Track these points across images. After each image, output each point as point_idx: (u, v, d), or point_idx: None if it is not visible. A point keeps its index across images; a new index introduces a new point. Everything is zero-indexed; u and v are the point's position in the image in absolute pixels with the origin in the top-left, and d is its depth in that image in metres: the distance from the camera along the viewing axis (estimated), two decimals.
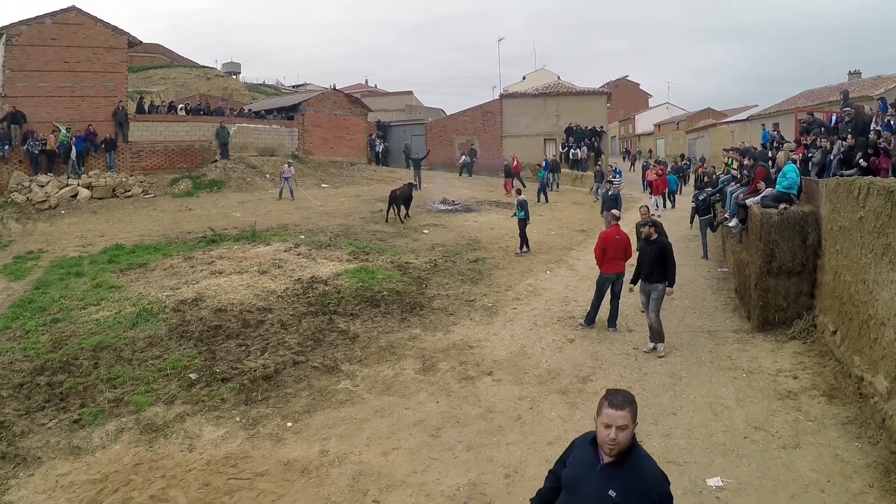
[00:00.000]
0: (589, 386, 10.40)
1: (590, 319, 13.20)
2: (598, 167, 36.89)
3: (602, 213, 21.17)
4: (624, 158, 43.11)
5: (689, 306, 14.60)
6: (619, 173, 23.89)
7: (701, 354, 11.62)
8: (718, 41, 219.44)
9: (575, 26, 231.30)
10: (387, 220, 23.47)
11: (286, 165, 29.32)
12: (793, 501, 7.14)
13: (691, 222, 21.82)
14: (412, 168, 35.86)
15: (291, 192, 28.59)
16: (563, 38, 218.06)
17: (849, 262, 10.06)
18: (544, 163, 35.24)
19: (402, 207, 24.09)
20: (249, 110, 39.80)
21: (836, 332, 10.62)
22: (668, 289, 11.75)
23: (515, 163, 35.18)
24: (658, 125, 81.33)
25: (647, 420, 9.08)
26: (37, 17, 28.55)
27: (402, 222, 23.33)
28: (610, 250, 12.82)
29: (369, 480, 7.80)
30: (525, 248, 19.53)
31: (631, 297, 13.34)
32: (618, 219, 13.88)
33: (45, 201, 25.13)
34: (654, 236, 11.93)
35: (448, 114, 54.01)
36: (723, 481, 7.58)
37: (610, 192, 21.51)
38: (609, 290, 13.10)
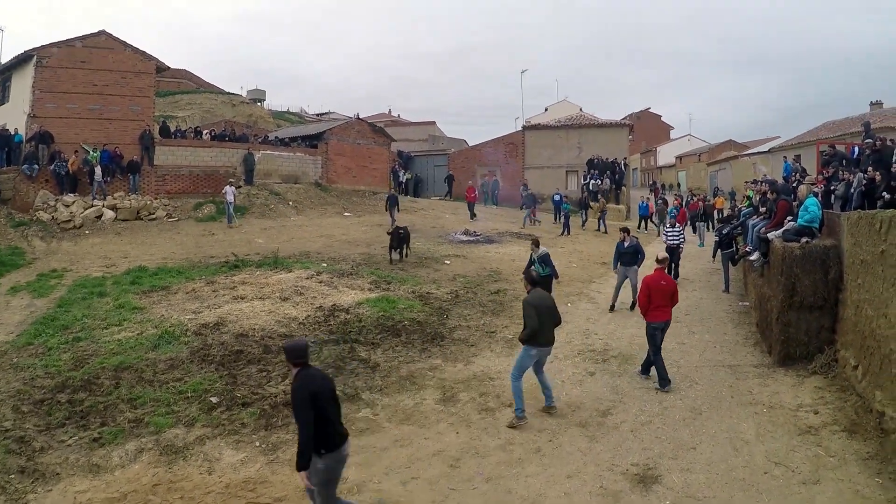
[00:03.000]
0: (609, 419, 10.38)
1: (664, 380, 11.71)
2: (584, 196, 37.49)
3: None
4: (650, 191, 42.68)
5: (710, 340, 14.52)
6: (680, 233, 21.08)
7: (721, 389, 11.55)
8: (741, 72, 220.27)
9: (598, 58, 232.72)
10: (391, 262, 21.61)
11: (228, 187, 28.33)
12: None
13: (714, 256, 21.74)
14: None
15: (230, 218, 27.77)
16: (586, 70, 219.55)
17: (871, 297, 10.03)
18: (557, 196, 35.04)
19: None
20: (275, 137, 40.18)
21: (857, 367, 10.55)
22: None
23: (470, 193, 35.05)
24: (680, 157, 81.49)
25: (666, 455, 9.10)
26: (67, 40, 29.20)
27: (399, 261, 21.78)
28: (656, 297, 11.73)
29: None
30: None
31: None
32: (662, 262, 12.65)
33: (69, 221, 25.43)
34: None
35: (470, 144, 54.29)
36: None
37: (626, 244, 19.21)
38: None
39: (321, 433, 6.48)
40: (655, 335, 11.76)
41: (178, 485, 8.31)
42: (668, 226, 21.09)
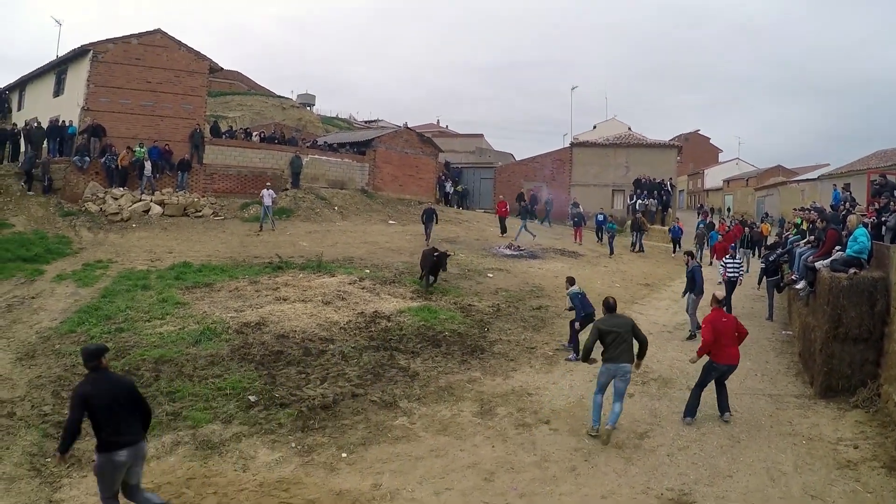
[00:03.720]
0: (646, 442, 10.26)
1: (690, 412, 11.24)
2: (637, 215, 35.95)
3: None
4: (697, 214, 42.05)
5: (751, 368, 14.26)
6: (740, 265, 19.79)
7: (761, 418, 11.36)
8: (791, 98, 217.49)
9: (649, 77, 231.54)
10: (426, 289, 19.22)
11: (266, 190, 27.70)
12: None
13: (759, 283, 21.39)
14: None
15: (273, 222, 27.45)
16: (636, 89, 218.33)
17: None
18: (601, 216, 34.30)
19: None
20: (323, 142, 40.52)
21: None
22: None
23: (502, 208, 33.65)
24: (727, 181, 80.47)
25: (702, 482, 8.99)
26: (124, 36, 29.74)
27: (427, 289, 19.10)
28: (722, 336, 10.94)
29: None
30: (573, 355, 14.42)
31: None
32: (720, 302, 11.73)
33: (117, 213, 25.81)
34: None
35: (517, 158, 54.25)
36: None
37: (689, 267, 17.61)
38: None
39: (96, 434, 6.87)
40: (711, 375, 11.13)
41: (212, 480, 8.38)
42: (728, 256, 20.39)
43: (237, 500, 7.94)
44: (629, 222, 35.49)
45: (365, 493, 8.26)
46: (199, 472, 8.56)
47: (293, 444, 9.46)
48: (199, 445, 9.22)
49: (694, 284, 16.80)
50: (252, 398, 10.67)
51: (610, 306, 10.79)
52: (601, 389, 10.54)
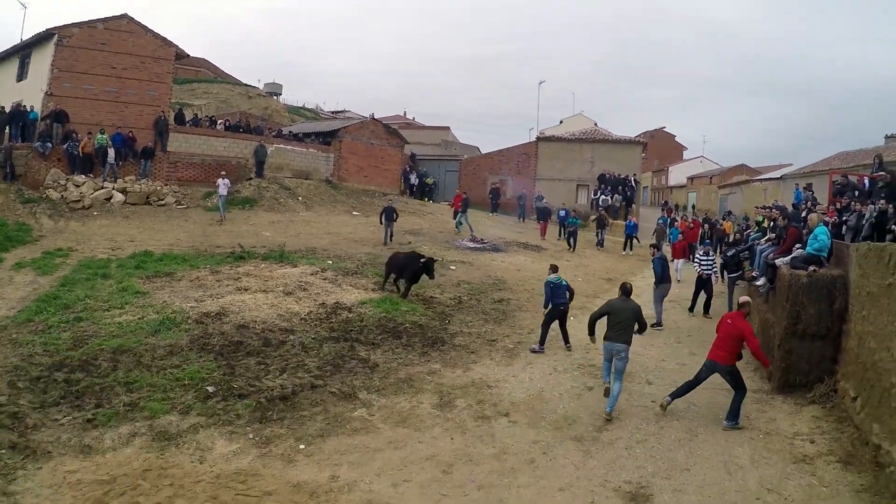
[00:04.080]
0: (604, 435, 10.34)
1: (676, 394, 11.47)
2: (601, 211, 35.35)
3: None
4: (662, 210, 42.12)
5: None
6: (713, 262, 19.79)
7: (719, 413, 11.41)
8: (756, 98, 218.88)
9: (615, 74, 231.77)
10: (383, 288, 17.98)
11: (221, 179, 27.14)
12: None
13: (721, 279, 21.59)
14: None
15: (223, 213, 26.66)
16: (603, 85, 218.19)
17: (875, 329, 9.99)
18: (563, 211, 33.79)
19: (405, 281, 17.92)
20: (289, 132, 40.20)
21: (856, 399, 10.50)
22: None
23: (458, 201, 31.85)
24: (691, 178, 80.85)
25: (660, 475, 9.07)
26: (89, 21, 29.19)
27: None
28: (718, 334, 11.37)
29: None
30: (538, 346, 14.60)
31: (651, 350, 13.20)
32: (744, 308, 11.55)
33: (79, 201, 25.44)
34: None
35: (482, 151, 54.35)
36: None
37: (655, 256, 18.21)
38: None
39: None
40: (701, 371, 11.38)
41: (168, 471, 8.29)
42: (702, 252, 20.51)
43: (193, 492, 7.87)
44: (593, 218, 35.40)
45: (322, 485, 8.24)
46: (156, 463, 8.46)
47: (251, 436, 9.38)
48: (155, 437, 9.10)
49: (658, 275, 17.26)
50: (210, 389, 10.55)
51: (626, 291, 11.83)
52: (606, 360, 11.57)
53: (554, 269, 15.20)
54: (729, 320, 11.33)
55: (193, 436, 9.22)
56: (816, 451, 9.87)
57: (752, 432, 10.65)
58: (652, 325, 16.42)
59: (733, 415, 10.89)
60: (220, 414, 9.87)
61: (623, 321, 11.37)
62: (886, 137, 43.38)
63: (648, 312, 17.79)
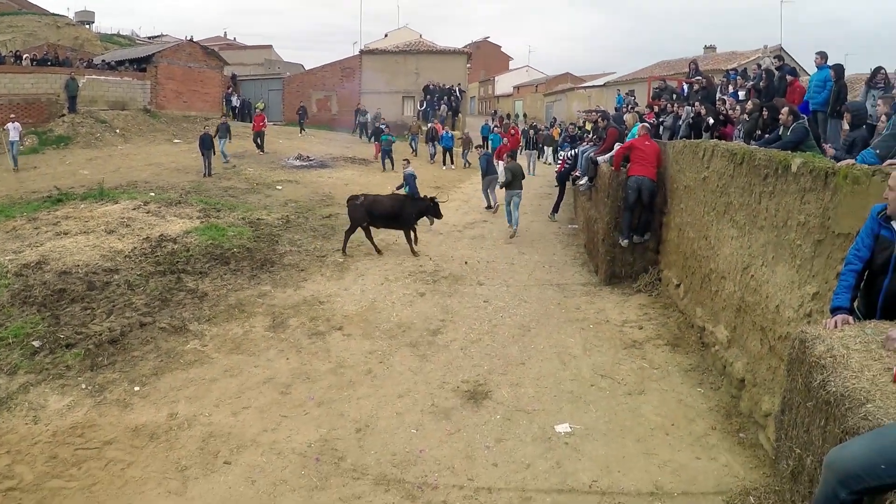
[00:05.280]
0: (439, 338, 10.58)
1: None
2: (432, 124, 33.77)
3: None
4: (492, 119, 42.35)
5: (539, 261, 14.94)
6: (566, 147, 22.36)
7: (549, 306, 11.91)
8: (582, 9, 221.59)
9: None
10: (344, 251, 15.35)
11: (11, 123, 24.18)
12: (639, 445, 7.48)
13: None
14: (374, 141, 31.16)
15: (14, 159, 23.74)
16: None
17: (692, 220, 10.59)
18: (382, 126, 31.52)
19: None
20: (102, 61, 37.32)
21: (679, 286, 11.20)
22: None
23: (260, 122, 29.79)
24: (517, 87, 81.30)
25: (496, 371, 9.35)
26: None
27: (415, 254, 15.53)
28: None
29: (219, 441, 7.73)
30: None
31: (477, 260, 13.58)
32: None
33: None
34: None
35: (308, 69, 52.72)
36: (571, 427, 7.86)
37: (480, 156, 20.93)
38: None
39: None
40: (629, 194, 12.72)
41: (3, 438, 7.80)
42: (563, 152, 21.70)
43: (31, 454, 7.48)
44: (425, 129, 33.95)
45: (162, 425, 8.07)
46: None
47: (84, 386, 8.99)
48: None
49: (483, 169, 20.05)
50: (36, 343, 9.94)
51: (517, 166, 17.73)
52: (507, 205, 17.19)
53: (406, 161, 19.30)
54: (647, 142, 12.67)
55: (24, 396, 8.69)
56: (645, 336, 10.46)
57: (583, 323, 11.13)
58: (486, 208, 20.27)
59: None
60: (50, 368, 9.35)
61: (517, 176, 17.07)
62: (705, 48, 45.73)
63: (468, 220, 18.35)
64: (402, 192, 16.69)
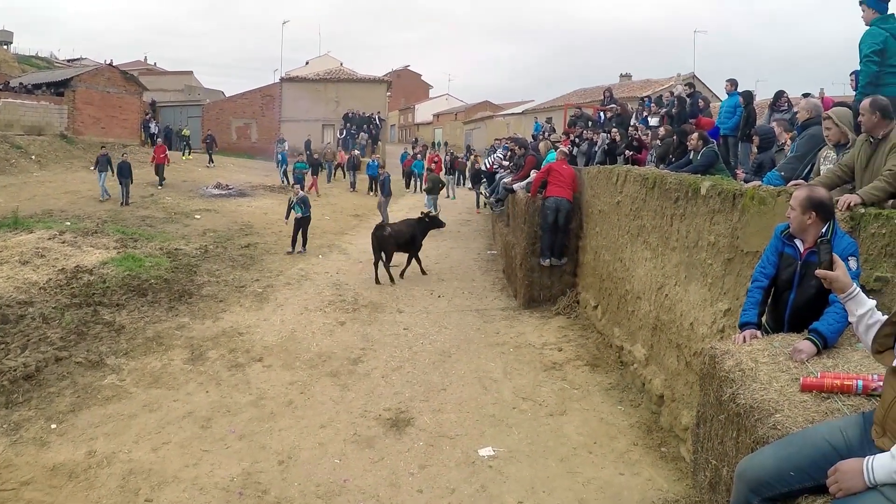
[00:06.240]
0: (360, 367, 10.52)
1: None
2: (354, 153, 33.84)
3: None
4: (413, 147, 42.31)
5: (458, 287, 15.06)
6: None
7: (469, 332, 11.98)
8: (501, 39, 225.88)
9: (362, 15, 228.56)
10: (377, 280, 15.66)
11: None
12: (562, 464, 7.53)
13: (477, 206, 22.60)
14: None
15: None
16: (349, 27, 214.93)
17: (608, 243, 10.85)
18: (281, 151, 32.46)
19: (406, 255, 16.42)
20: (20, 84, 36.07)
21: (597, 307, 11.41)
22: None
23: (161, 153, 27.28)
24: (437, 115, 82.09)
25: (418, 398, 9.34)
26: None
27: (402, 277, 16.06)
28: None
29: (140, 479, 7.47)
30: (301, 249, 17.82)
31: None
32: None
33: None
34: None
35: (228, 95, 52.09)
36: (494, 450, 7.88)
37: (382, 177, 22.96)
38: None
39: None
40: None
41: None
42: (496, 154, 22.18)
43: None
44: (346, 157, 34.01)
45: (80, 464, 7.73)
46: None
47: None
48: None
49: (384, 188, 21.77)
50: None
51: (436, 176, 23.34)
52: (428, 203, 19.94)
53: (299, 188, 19.89)
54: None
55: None
56: (565, 357, 10.59)
57: (502, 347, 11.23)
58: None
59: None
60: None
61: (436, 184, 22.83)
62: (621, 76, 47.04)
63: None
64: (296, 213, 17.79)
